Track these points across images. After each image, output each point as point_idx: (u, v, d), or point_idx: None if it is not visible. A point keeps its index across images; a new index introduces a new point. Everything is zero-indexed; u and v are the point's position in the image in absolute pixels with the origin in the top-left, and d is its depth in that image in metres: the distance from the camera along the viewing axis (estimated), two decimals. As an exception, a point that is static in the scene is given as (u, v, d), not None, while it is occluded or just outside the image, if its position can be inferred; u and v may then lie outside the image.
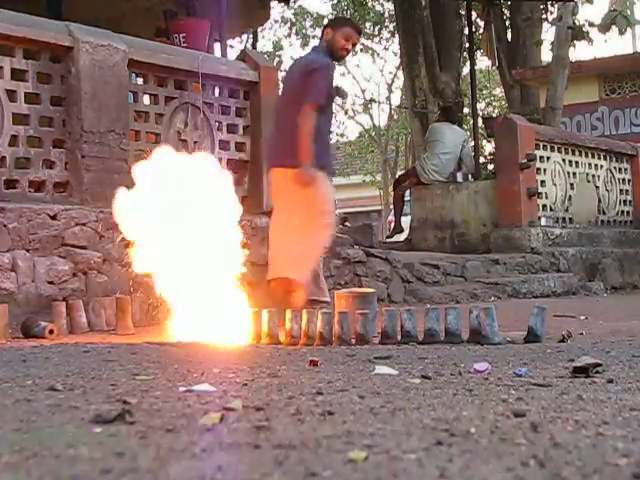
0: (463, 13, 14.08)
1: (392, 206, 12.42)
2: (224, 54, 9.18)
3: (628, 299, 8.91)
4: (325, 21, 23.92)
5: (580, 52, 16.86)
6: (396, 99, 26.45)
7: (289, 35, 24.32)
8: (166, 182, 4.61)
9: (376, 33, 23.18)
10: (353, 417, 2.01)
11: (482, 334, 4.14)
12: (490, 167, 13.46)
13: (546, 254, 9.51)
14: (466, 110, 17.31)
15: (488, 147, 17.16)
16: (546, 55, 16.41)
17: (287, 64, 32.99)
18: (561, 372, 2.91)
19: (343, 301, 5.11)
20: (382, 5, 21.88)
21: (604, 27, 11.78)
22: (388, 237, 11.91)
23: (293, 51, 36.62)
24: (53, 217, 5.53)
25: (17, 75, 5.71)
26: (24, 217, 5.36)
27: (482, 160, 14.20)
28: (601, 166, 11.29)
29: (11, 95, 5.66)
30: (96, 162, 5.96)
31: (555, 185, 10.35)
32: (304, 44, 24.30)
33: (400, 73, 19.95)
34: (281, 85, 5.84)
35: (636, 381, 2.63)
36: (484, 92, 24.21)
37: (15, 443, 1.72)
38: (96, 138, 5.98)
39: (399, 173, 19.44)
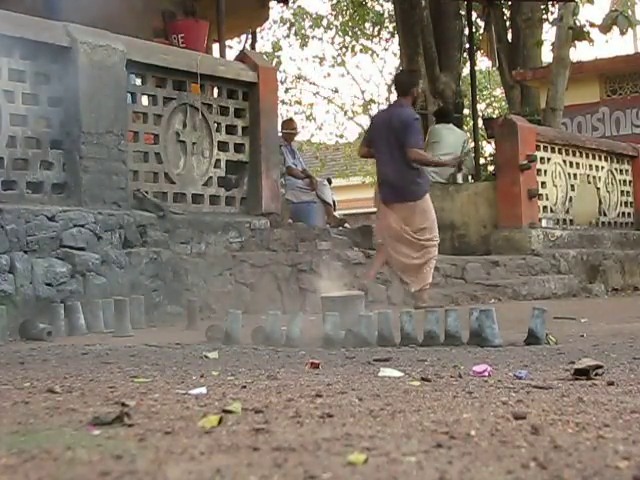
0: (463, 13, 14.07)
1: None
2: (223, 54, 9.18)
3: (629, 301, 8.89)
4: (324, 22, 23.86)
5: (581, 53, 16.90)
6: (396, 100, 26.29)
7: (288, 36, 24.22)
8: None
9: (376, 33, 23.11)
10: (352, 419, 2.00)
11: (482, 336, 4.13)
12: (490, 168, 13.45)
13: (546, 256, 9.50)
14: (466, 111, 17.30)
15: (488, 148, 17.15)
16: (546, 56, 16.45)
17: (286, 65, 33.06)
18: (562, 374, 2.90)
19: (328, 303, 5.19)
20: (382, 5, 21.78)
21: (605, 27, 11.75)
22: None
23: (292, 51, 36.45)
24: (51, 218, 5.52)
25: (15, 75, 5.69)
26: (22, 218, 5.35)
27: (482, 161, 14.18)
28: (602, 167, 11.27)
29: (9, 96, 5.64)
30: (94, 163, 5.95)
31: (556, 186, 10.34)
32: (303, 45, 24.21)
33: (400, 74, 19.87)
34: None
35: (637, 383, 2.62)
36: (484, 93, 24.16)
37: (13, 445, 1.71)
38: (94, 139, 5.96)
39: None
